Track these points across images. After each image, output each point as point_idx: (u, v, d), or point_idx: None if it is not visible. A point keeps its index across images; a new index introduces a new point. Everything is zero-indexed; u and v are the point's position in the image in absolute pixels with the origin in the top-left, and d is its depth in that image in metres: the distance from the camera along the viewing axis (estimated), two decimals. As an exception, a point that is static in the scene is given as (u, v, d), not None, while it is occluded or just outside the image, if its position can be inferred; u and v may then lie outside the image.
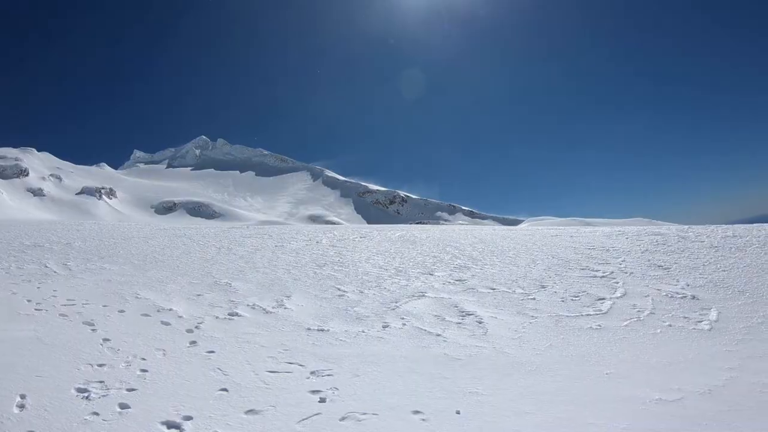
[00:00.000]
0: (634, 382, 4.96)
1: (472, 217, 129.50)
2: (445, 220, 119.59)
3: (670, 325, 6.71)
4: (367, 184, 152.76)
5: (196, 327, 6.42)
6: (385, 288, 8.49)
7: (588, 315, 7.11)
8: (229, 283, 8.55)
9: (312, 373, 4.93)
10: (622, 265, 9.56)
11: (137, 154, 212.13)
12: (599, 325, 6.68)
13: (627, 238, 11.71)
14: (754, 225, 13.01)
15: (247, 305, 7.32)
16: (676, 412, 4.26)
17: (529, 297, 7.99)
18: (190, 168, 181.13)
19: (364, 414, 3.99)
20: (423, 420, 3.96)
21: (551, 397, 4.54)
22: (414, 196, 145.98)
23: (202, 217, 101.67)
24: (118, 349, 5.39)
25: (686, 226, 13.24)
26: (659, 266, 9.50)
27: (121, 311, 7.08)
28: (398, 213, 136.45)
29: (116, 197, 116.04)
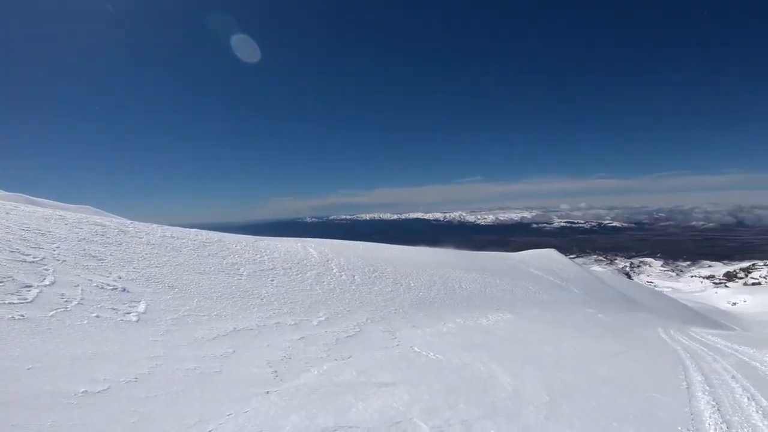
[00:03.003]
0: (59, 375, 4.68)
1: None
2: None
3: (98, 316, 6.61)
4: None
5: None
6: None
7: (11, 304, 6.24)
8: None
9: None
10: (55, 252, 8.81)
11: None
12: (22, 315, 5.98)
13: (66, 224, 10.90)
14: (192, 230, 14.41)
15: None
16: (103, 402, 4.26)
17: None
18: None
19: None
20: None
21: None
22: None
23: None
24: None
25: (129, 221, 13.40)
26: (94, 257, 9.24)
27: None
28: None
29: None
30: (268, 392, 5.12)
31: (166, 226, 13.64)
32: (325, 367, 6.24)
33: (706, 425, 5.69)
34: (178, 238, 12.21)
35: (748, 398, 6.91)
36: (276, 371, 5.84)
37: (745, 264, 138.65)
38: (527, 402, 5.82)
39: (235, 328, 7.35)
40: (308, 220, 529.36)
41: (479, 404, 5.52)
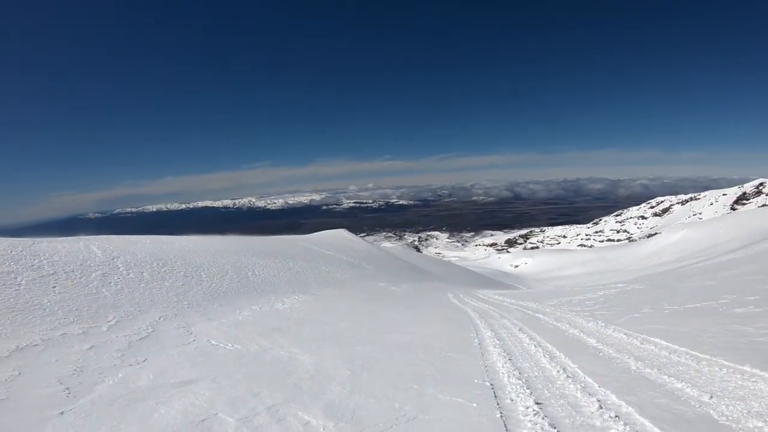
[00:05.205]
0: None
1: None
2: None
3: None
4: None
5: None
6: None
7: None
8: None
9: None
10: None
11: None
12: None
13: None
14: None
15: None
16: None
17: None
18: None
19: None
20: None
21: None
22: None
23: None
24: None
25: None
26: None
27: None
28: None
29: None
30: (62, 413, 4.69)
31: None
32: (120, 375, 5.88)
33: (500, 374, 6.01)
34: None
35: (535, 345, 7.56)
36: (68, 388, 5.37)
37: (524, 231, 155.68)
38: (329, 379, 5.92)
39: (17, 346, 6.69)
40: (91, 215, 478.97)
41: (283, 388, 5.52)
